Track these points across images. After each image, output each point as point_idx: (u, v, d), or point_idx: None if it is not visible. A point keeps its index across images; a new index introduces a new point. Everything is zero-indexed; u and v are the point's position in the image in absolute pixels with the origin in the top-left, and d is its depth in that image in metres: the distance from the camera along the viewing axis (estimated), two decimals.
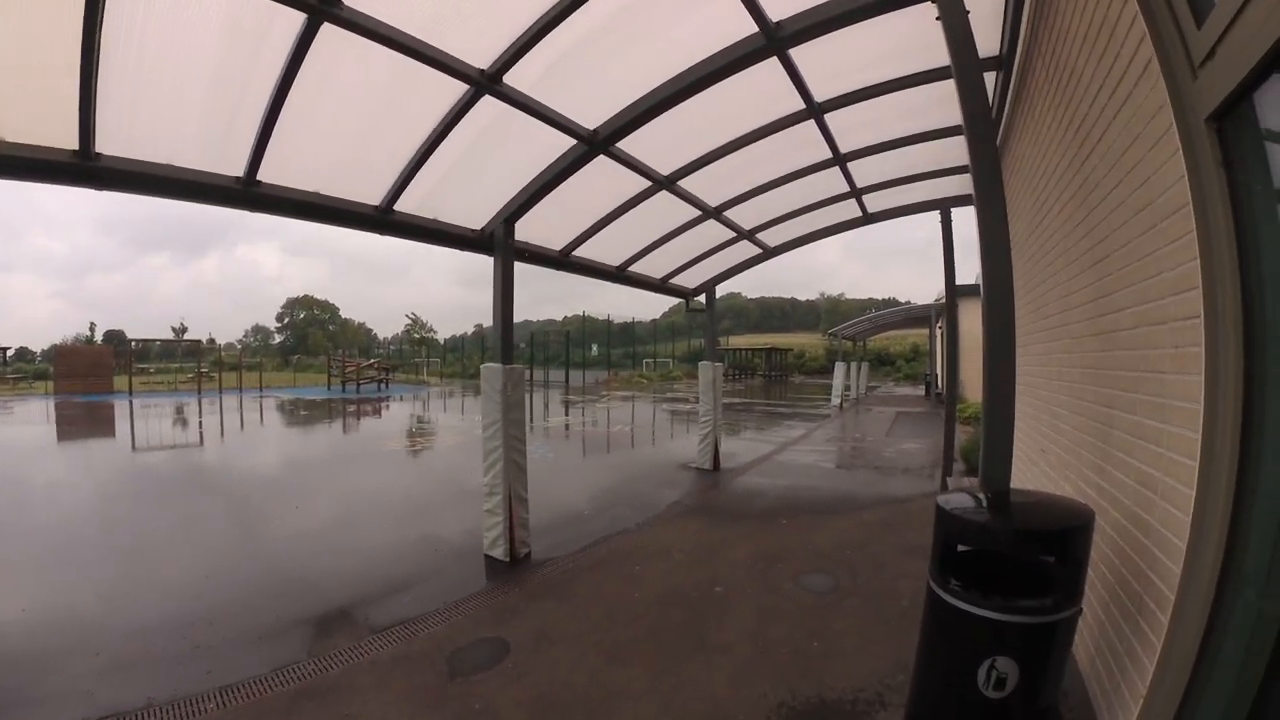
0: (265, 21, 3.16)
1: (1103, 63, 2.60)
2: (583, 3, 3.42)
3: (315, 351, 64.94)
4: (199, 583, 4.91)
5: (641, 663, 3.60)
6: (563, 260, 6.85)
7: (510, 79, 3.91)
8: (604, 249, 7.21)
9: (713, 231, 7.68)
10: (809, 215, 7.82)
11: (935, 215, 8.17)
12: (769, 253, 9.06)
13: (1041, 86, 3.84)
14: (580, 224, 6.41)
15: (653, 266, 8.37)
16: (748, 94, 4.70)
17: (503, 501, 5.20)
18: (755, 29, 3.76)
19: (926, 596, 2.47)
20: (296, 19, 3.15)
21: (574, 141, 4.66)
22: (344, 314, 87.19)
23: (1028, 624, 2.13)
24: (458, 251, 5.68)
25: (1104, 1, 2.53)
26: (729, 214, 7.19)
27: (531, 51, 3.67)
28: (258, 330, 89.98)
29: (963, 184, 7.22)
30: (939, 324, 24.18)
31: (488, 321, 5.79)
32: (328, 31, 3.23)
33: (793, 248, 9.15)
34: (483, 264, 5.50)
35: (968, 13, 2.97)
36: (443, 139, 4.27)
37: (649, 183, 5.85)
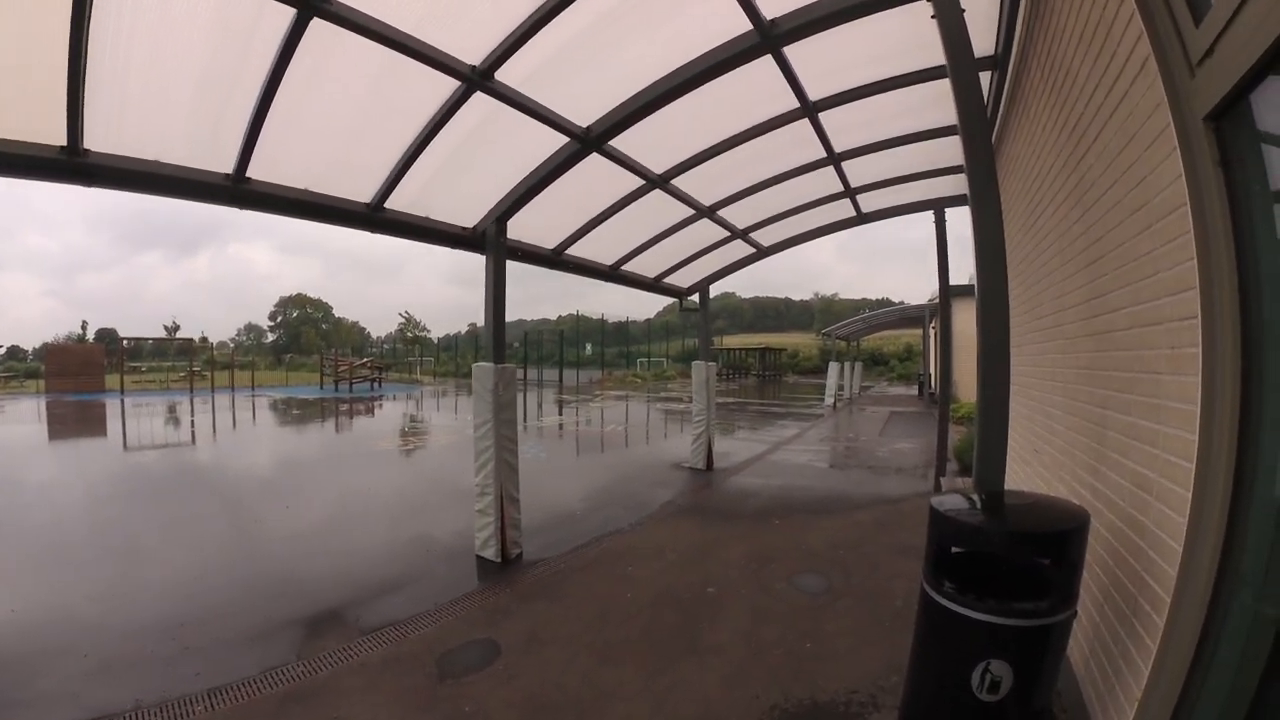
0: (254, 16, 3.12)
1: (1099, 62, 2.59)
2: None
3: (308, 350, 64.78)
4: (189, 583, 4.86)
5: (634, 664, 3.57)
6: (555, 259, 6.81)
7: (502, 75, 3.87)
8: (597, 248, 7.18)
9: (706, 231, 7.66)
10: (803, 215, 7.81)
11: (929, 216, 8.17)
12: (763, 252, 9.04)
13: (1036, 86, 3.82)
14: (573, 222, 6.37)
15: (646, 265, 8.33)
16: (742, 92, 4.68)
17: (494, 502, 5.16)
18: (749, 26, 3.73)
19: (920, 598, 2.45)
20: (286, 13, 3.10)
21: (566, 139, 4.62)
22: (337, 313, 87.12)
23: (1022, 627, 2.11)
24: (452, 250, 5.64)
25: (1100, 0, 2.52)
26: (723, 213, 7.16)
27: (524, 47, 3.64)
28: (251, 329, 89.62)
29: (957, 184, 7.22)
30: (932, 324, 24.24)
31: (481, 320, 5.75)
32: (317, 26, 3.19)
33: (786, 247, 9.13)
34: (477, 263, 5.46)
35: (963, 11, 2.96)
36: (434, 136, 4.23)
37: (642, 181, 5.82)
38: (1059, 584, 2.14)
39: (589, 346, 52.49)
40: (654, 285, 9.02)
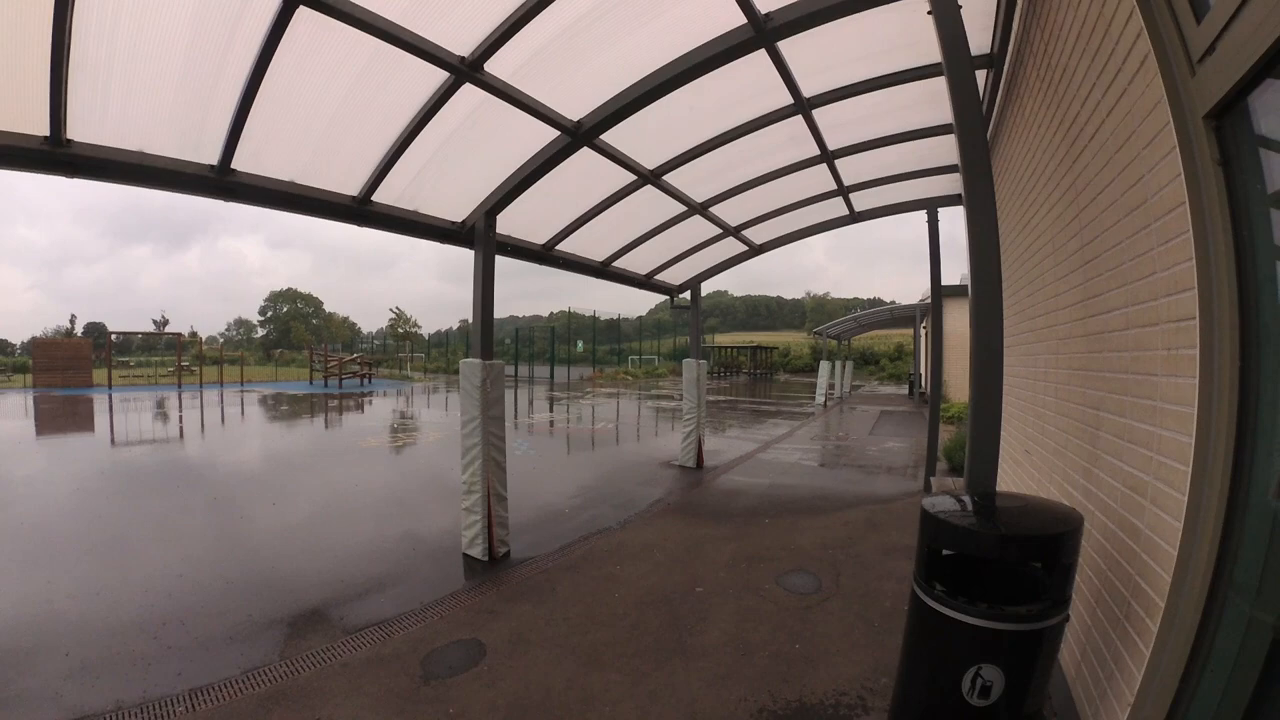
0: (240, 3, 3.05)
1: (1097, 60, 2.56)
2: None
3: (298, 345, 64.31)
4: (172, 581, 4.78)
5: (620, 666, 3.53)
6: (545, 254, 6.74)
7: (492, 67, 3.80)
8: (588, 244, 7.12)
9: (698, 228, 7.62)
10: (796, 213, 7.78)
11: (921, 216, 8.13)
12: (755, 250, 9.01)
13: (1032, 85, 3.80)
14: (564, 218, 6.31)
15: (637, 262, 8.29)
16: (735, 88, 4.63)
17: (481, 500, 5.10)
18: (744, 20, 3.68)
19: (910, 601, 2.42)
20: (272, 1, 3.04)
21: (557, 133, 4.55)
22: (328, 308, 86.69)
23: (1015, 631, 2.08)
24: (443, 246, 5.58)
25: None
26: (715, 210, 7.12)
27: (514, 39, 3.57)
28: (240, 323, 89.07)
29: (950, 184, 7.20)
30: (923, 324, 24.32)
31: (472, 316, 5.70)
32: (304, 15, 3.13)
33: (779, 245, 9.11)
34: (468, 258, 5.38)
35: (960, 8, 2.92)
36: (422, 128, 4.16)
37: (634, 177, 5.76)
38: (1052, 587, 2.11)
39: (580, 343, 52.40)
40: (645, 282, 8.97)
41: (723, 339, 70.33)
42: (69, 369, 26.06)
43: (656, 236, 7.42)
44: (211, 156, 3.94)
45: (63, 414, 16.71)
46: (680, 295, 9.89)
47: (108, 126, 3.51)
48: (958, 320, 16.35)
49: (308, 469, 9.53)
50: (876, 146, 5.95)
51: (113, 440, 12.12)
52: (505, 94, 4.00)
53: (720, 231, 7.88)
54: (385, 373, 41.11)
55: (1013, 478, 4.75)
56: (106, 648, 3.73)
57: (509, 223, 5.71)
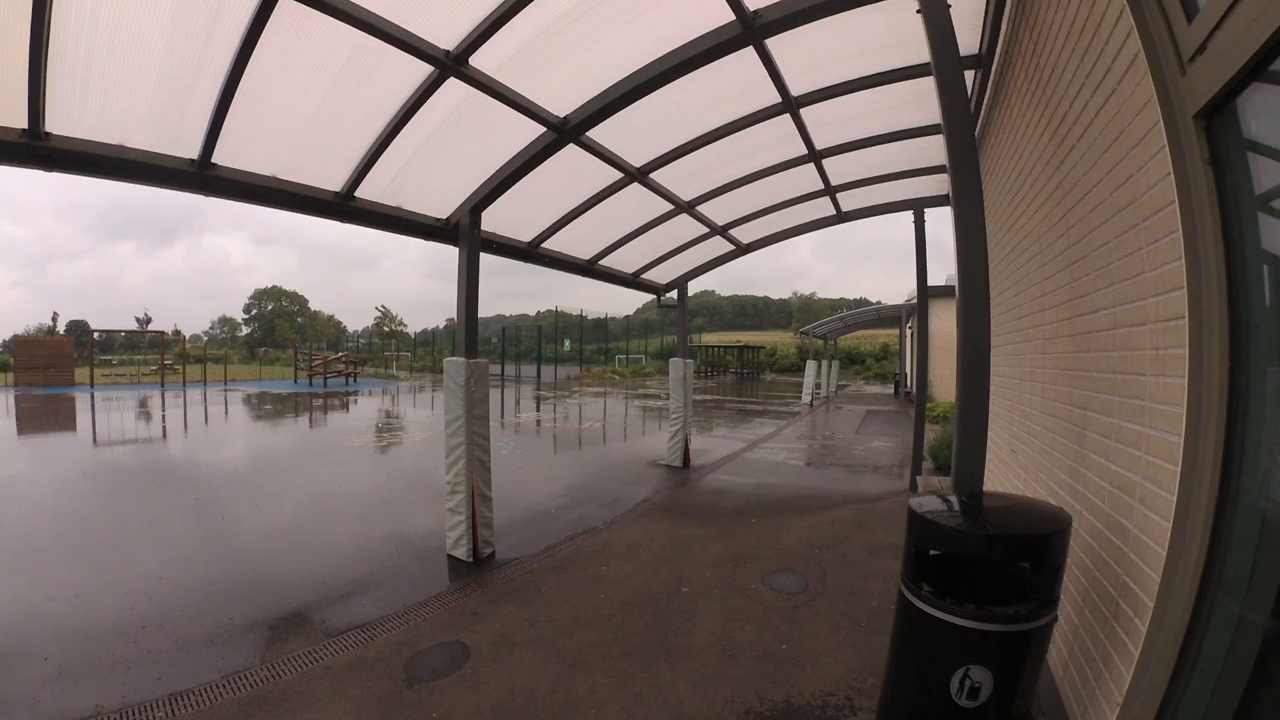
0: None
1: (1086, 59, 2.55)
2: None
3: (282, 344, 63.66)
4: (153, 583, 4.69)
5: (605, 668, 3.49)
6: (531, 252, 6.68)
7: (477, 61, 3.75)
8: (574, 241, 7.07)
9: (685, 226, 7.59)
10: (783, 212, 7.77)
11: (907, 217, 8.17)
12: (742, 249, 9.00)
13: (1020, 86, 3.80)
14: (550, 215, 6.25)
15: (624, 261, 8.24)
16: (723, 85, 4.61)
17: (465, 500, 5.04)
18: (732, 17, 3.65)
19: (898, 601, 2.40)
20: None
21: (543, 129, 4.50)
22: (313, 306, 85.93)
23: (1003, 632, 2.07)
24: (430, 244, 5.52)
25: None
26: (702, 209, 7.09)
27: (499, 32, 3.51)
28: (224, 321, 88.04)
29: (937, 184, 7.23)
30: (909, 324, 24.48)
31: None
32: (285, 6, 3.06)
33: (766, 245, 9.10)
34: (455, 256, 5.32)
35: (949, 7, 2.91)
36: (405, 123, 4.09)
37: (621, 174, 5.72)
38: (1040, 587, 2.10)
39: (567, 342, 52.26)
40: (632, 281, 8.93)
41: (710, 338, 70.44)
42: (51, 367, 25.63)
43: (643, 235, 7.38)
44: (192, 150, 3.86)
45: (44, 413, 16.39)
46: (667, 294, 9.86)
47: (87, 120, 3.43)
48: (943, 320, 16.47)
49: (291, 469, 9.41)
50: (864, 146, 5.95)
51: (95, 440, 11.90)
52: (490, 89, 3.94)
53: (707, 230, 7.86)
54: (371, 371, 40.77)
55: (999, 477, 4.77)
56: (86, 651, 3.65)
57: (494, 220, 5.65)
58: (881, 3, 3.59)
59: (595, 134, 4.85)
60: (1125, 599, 2.11)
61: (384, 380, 34.42)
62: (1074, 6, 2.68)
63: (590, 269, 7.90)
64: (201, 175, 3.96)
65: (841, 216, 8.22)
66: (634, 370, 44.54)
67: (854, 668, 3.49)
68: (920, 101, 5.05)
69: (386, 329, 54.46)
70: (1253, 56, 1.48)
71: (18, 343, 29.10)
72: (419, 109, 4.01)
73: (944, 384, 17.28)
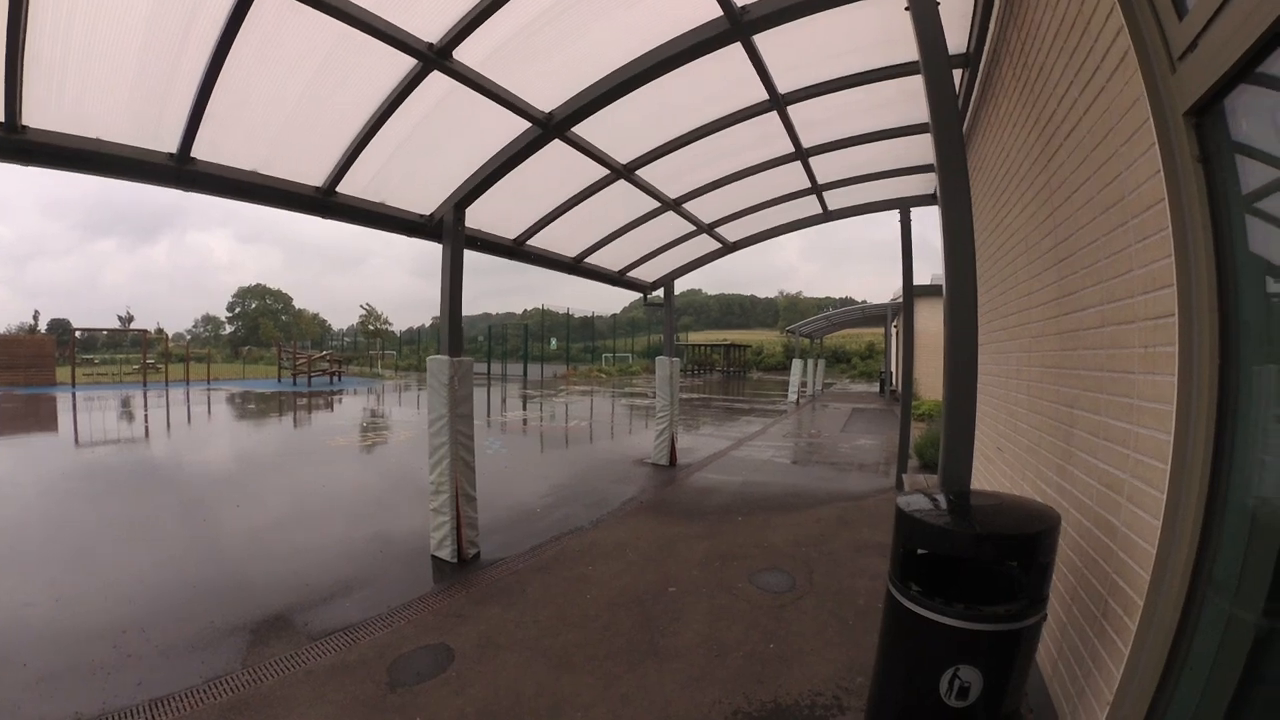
0: None
1: (1075, 57, 2.54)
2: None
3: (267, 343, 63.00)
4: (134, 586, 4.60)
5: (591, 669, 3.45)
6: (516, 249, 6.62)
7: (461, 55, 3.69)
8: (560, 239, 7.01)
9: (672, 224, 7.56)
10: (769, 210, 7.76)
11: (892, 217, 8.20)
12: (729, 247, 8.98)
13: (1008, 85, 3.80)
14: (535, 212, 6.19)
15: (610, 258, 8.20)
16: (710, 82, 4.58)
17: (449, 500, 4.98)
18: (720, 12, 3.62)
19: (886, 601, 2.38)
20: None
21: (528, 124, 4.44)
22: (298, 304, 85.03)
23: (992, 631, 2.06)
24: (416, 242, 5.45)
25: None
26: (688, 206, 7.06)
27: (484, 25, 3.46)
28: (208, 320, 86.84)
29: (923, 184, 7.25)
30: (894, 323, 24.61)
31: None
32: None
33: (753, 243, 9.10)
34: (441, 254, 5.25)
35: (938, 4, 2.89)
36: (388, 116, 4.02)
37: (607, 171, 5.68)
38: (1029, 586, 2.09)
39: (554, 341, 52.13)
40: (618, 279, 8.89)
41: (696, 337, 70.54)
42: (31, 367, 25.14)
43: (629, 233, 7.34)
44: (171, 144, 3.77)
45: (24, 413, 16.05)
46: (653, 292, 9.83)
47: (65, 113, 3.34)
48: (928, 319, 16.55)
49: (274, 469, 9.28)
50: (850, 145, 5.95)
51: (76, 441, 11.67)
52: (475, 83, 3.88)
53: (694, 228, 7.83)
54: (356, 370, 40.40)
55: (985, 475, 4.78)
56: (66, 656, 3.57)
57: (479, 217, 5.58)
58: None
59: (581, 130, 4.81)
60: (1114, 597, 2.10)
61: (369, 379, 34.13)
62: (1063, 5, 2.67)
63: (576, 267, 7.85)
64: (180, 170, 3.88)
65: (828, 215, 8.23)
66: (621, 369, 44.51)
67: (842, 667, 3.48)
68: (907, 100, 5.05)
69: (371, 327, 53.97)
70: (1244, 55, 1.47)
71: None
72: (402, 103, 3.94)
73: (929, 382, 17.38)
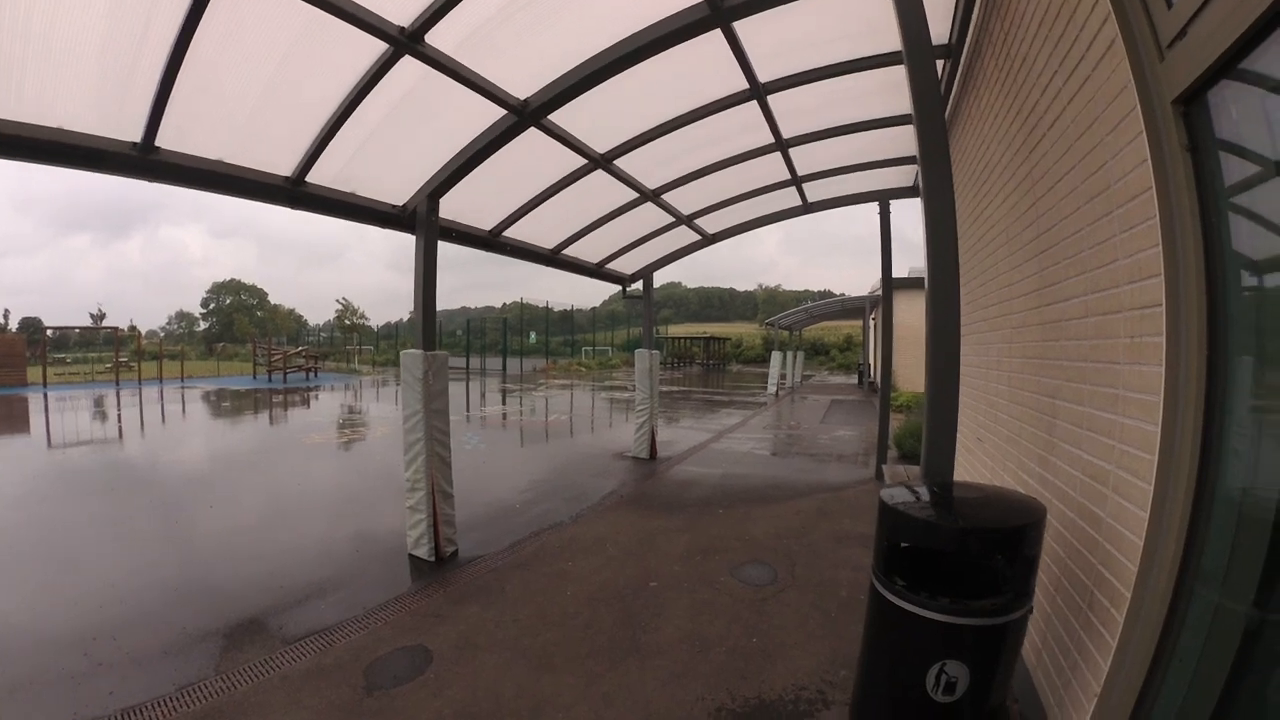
0: None
1: (1060, 46, 2.52)
2: None
3: (242, 339, 61.90)
4: (105, 591, 4.45)
5: (572, 668, 3.40)
6: (492, 241, 6.50)
7: (434, 39, 3.57)
8: (537, 230, 6.90)
9: (651, 216, 7.48)
10: (749, 202, 7.71)
11: (870, 211, 8.19)
12: (708, 239, 8.93)
13: (990, 76, 3.78)
14: (511, 202, 6.08)
15: (589, 250, 8.10)
16: (689, 70, 4.50)
17: (426, 497, 4.88)
18: None
19: (870, 595, 2.35)
20: None
21: (504, 112, 4.33)
22: (273, 299, 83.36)
23: (978, 626, 2.03)
24: (393, 235, 5.33)
25: None
26: (667, 197, 6.99)
27: (458, 8, 3.33)
28: (182, 316, 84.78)
29: (903, 176, 7.26)
30: (873, 315, 24.83)
31: None
32: None
33: (732, 235, 9.05)
34: None
35: None
36: (359, 103, 3.88)
37: (584, 160, 5.58)
38: (1015, 580, 2.07)
39: (533, 335, 51.83)
40: (597, 271, 8.80)
41: (676, 330, 70.49)
42: (3, 367, 24.29)
43: (608, 224, 7.25)
44: (135, 133, 3.60)
45: None
46: (632, 285, 9.75)
47: (25, 102, 3.17)
48: (906, 312, 16.69)
49: (249, 468, 9.07)
50: (831, 136, 5.92)
51: (49, 442, 11.30)
52: (448, 69, 3.77)
53: (673, 220, 7.76)
54: (332, 366, 39.76)
55: (965, 466, 4.79)
56: (35, 666, 3.45)
57: (454, 207, 5.46)
58: None
59: (558, 118, 4.70)
60: (1101, 589, 2.09)
61: (346, 375, 33.63)
62: None
63: (554, 259, 7.74)
64: (144, 160, 3.70)
65: (808, 207, 8.21)
66: (600, 362, 44.38)
67: (825, 660, 3.46)
68: (888, 91, 5.02)
69: (348, 322, 53.21)
70: (1235, 43, 1.45)
71: None
72: (373, 89, 3.81)
73: (907, 374, 17.54)
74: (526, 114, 4.31)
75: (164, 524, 6.20)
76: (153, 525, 6.16)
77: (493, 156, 4.65)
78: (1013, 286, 3.58)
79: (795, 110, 5.36)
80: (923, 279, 2.80)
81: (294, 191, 4.48)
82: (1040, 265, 3.00)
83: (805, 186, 7.44)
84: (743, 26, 3.98)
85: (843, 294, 53.19)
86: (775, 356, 23.34)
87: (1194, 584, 1.69)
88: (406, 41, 3.48)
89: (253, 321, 74.63)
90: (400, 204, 5.11)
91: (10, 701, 3.11)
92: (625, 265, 9.10)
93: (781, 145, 6.02)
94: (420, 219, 4.98)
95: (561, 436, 12.26)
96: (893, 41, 4.12)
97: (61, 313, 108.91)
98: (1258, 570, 1.54)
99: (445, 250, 5.12)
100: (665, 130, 5.35)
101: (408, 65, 3.69)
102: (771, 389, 22.29)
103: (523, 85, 4.19)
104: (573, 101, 4.30)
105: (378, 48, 3.58)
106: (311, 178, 4.47)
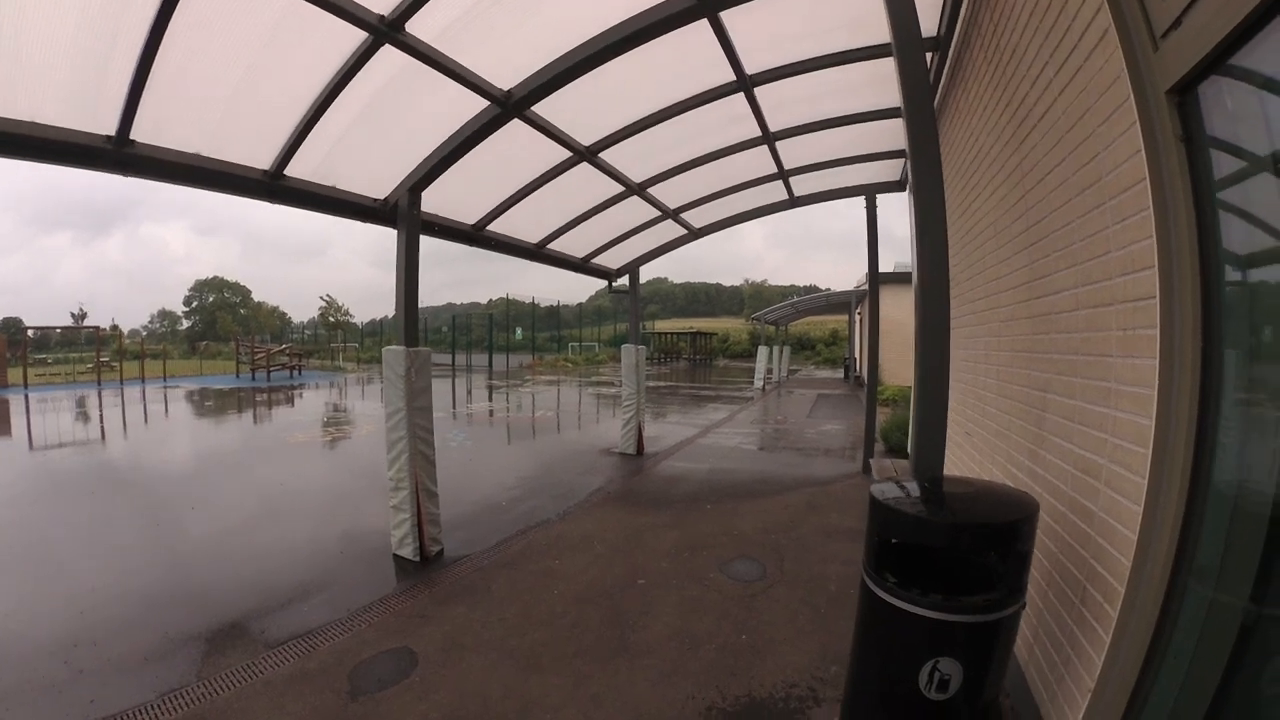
0: None
1: (1051, 36, 2.49)
2: None
3: (225, 337, 61.14)
4: (85, 597, 4.34)
5: (560, 669, 3.35)
6: (476, 235, 6.41)
7: (414, 28, 3.48)
8: (522, 224, 6.82)
9: (637, 210, 7.42)
10: (735, 196, 7.67)
11: (856, 207, 8.18)
12: (694, 234, 8.88)
13: (979, 68, 3.76)
14: (495, 196, 5.99)
15: (574, 245, 8.03)
16: (675, 61, 4.44)
17: (409, 496, 4.80)
18: None
19: (860, 591, 2.32)
20: None
21: (486, 103, 4.24)
22: (256, 297, 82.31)
23: (971, 623, 2.01)
24: (378, 232, 5.31)
25: None
26: (653, 191, 6.93)
27: None
28: (164, 315, 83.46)
29: (889, 170, 7.24)
30: (858, 310, 24.92)
31: None
32: None
33: (718, 229, 9.00)
34: None
35: None
36: (338, 93, 3.79)
37: (569, 153, 5.50)
38: (1008, 575, 2.04)
39: (519, 331, 51.60)
40: (582, 266, 8.73)
41: (663, 325, 70.48)
42: None
43: (593, 218, 7.17)
44: (109, 126, 3.49)
45: None
46: (619, 279, 9.68)
47: None
48: (892, 306, 16.76)
49: (232, 468, 8.92)
50: (818, 129, 5.88)
51: (30, 444, 11.05)
52: (430, 58, 3.69)
53: (659, 214, 7.71)
54: (317, 364, 39.34)
55: (953, 460, 4.78)
56: (13, 675, 3.36)
57: (436, 201, 5.37)
58: None
59: (542, 110, 4.63)
60: (1094, 584, 2.08)
61: (330, 373, 33.28)
62: None
63: (538, 253, 7.66)
64: (119, 153, 3.60)
65: (794, 201, 8.18)
66: (587, 358, 44.28)
67: (815, 656, 3.44)
68: (876, 84, 4.99)
69: (332, 319, 52.72)
70: (1230, 33, 1.43)
71: None
72: (352, 79, 3.71)
73: (893, 368, 17.63)
74: (510, 105, 4.23)
75: (146, 526, 6.07)
76: (135, 527, 6.03)
77: (476, 149, 4.56)
78: (1001, 280, 3.56)
79: (782, 103, 5.32)
80: (908, 274, 2.78)
81: (273, 185, 4.37)
82: (1030, 258, 2.98)
83: (792, 180, 7.42)
84: (730, 17, 3.92)
85: (828, 289, 53.38)
86: (761, 351, 23.38)
87: (1188, 578, 1.68)
88: (386, 30, 3.39)
89: (236, 319, 73.72)
90: (381, 197, 5.02)
91: None
92: (611, 260, 9.04)
93: (769, 138, 5.98)
94: (402, 213, 4.89)
95: (548, 433, 12.19)
96: (881, 33, 4.11)
97: (42, 312, 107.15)
98: (1253, 564, 1.52)
99: (429, 246, 5.03)
100: (651, 123, 5.29)
101: (388, 55, 3.60)
102: (758, 384, 22.34)
103: (506, 76, 4.11)
104: (557, 93, 4.23)
105: (357, 36, 3.49)
106: (291, 171, 4.37)
